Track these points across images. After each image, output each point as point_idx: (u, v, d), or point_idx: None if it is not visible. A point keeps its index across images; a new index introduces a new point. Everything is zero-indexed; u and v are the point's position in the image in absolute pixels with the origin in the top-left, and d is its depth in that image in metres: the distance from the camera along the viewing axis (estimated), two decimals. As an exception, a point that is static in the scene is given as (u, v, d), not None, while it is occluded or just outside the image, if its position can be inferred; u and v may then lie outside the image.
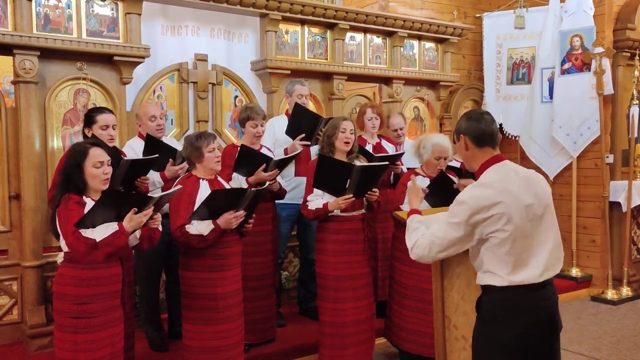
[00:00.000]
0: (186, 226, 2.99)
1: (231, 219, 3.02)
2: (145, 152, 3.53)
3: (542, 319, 2.19)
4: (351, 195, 3.37)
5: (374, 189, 3.48)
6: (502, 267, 2.16)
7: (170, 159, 3.62)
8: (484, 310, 2.25)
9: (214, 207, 2.97)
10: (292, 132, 4.11)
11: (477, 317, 2.28)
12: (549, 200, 2.24)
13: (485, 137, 2.24)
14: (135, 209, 2.57)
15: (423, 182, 3.62)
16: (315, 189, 3.46)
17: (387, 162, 3.60)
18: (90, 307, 2.56)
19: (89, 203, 2.58)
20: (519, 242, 2.14)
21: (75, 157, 2.62)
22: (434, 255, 2.31)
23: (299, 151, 3.94)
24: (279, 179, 3.84)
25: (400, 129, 4.60)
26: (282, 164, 3.71)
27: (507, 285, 2.16)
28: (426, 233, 2.33)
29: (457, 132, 2.32)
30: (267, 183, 3.49)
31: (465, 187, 2.26)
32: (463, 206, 2.16)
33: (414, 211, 2.56)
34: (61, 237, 2.58)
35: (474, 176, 2.36)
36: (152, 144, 3.56)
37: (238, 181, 3.64)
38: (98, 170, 2.61)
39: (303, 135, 4.08)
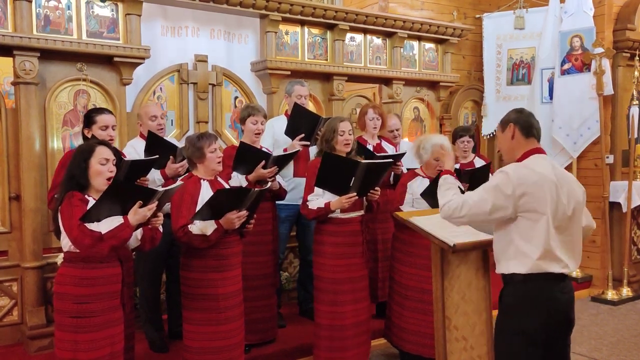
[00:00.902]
0: (189, 226, 2.99)
1: (234, 219, 3.01)
2: (146, 149, 3.54)
3: (560, 311, 2.27)
4: (355, 194, 3.36)
5: (376, 188, 3.48)
6: (532, 250, 2.24)
7: (171, 157, 3.63)
8: (505, 302, 2.34)
9: (216, 207, 2.96)
10: (291, 132, 4.11)
11: (499, 310, 2.37)
12: (578, 202, 2.34)
13: (532, 129, 2.41)
14: (141, 202, 2.58)
15: (423, 183, 3.62)
16: (315, 188, 3.45)
17: (391, 159, 3.60)
18: (90, 307, 2.57)
19: (92, 202, 2.59)
20: (549, 229, 2.23)
21: (82, 154, 2.65)
22: (461, 216, 2.38)
23: (297, 149, 3.94)
24: (279, 179, 3.85)
25: (396, 130, 4.61)
26: (281, 161, 3.71)
27: (529, 273, 2.24)
28: (462, 195, 2.44)
29: (505, 121, 2.44)
30: (269, 183, 3.48)
31: (506, 165, 2.37)
32: (505, 177, 2.27)
33: (447, 172, 2.69)
34: (62, 235, 2.59)
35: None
36: (154, 140, 3.57)
37: (237, 180, 3.64)
38: (103, 167, 2.63)
39: (302, 135, 4.09)
